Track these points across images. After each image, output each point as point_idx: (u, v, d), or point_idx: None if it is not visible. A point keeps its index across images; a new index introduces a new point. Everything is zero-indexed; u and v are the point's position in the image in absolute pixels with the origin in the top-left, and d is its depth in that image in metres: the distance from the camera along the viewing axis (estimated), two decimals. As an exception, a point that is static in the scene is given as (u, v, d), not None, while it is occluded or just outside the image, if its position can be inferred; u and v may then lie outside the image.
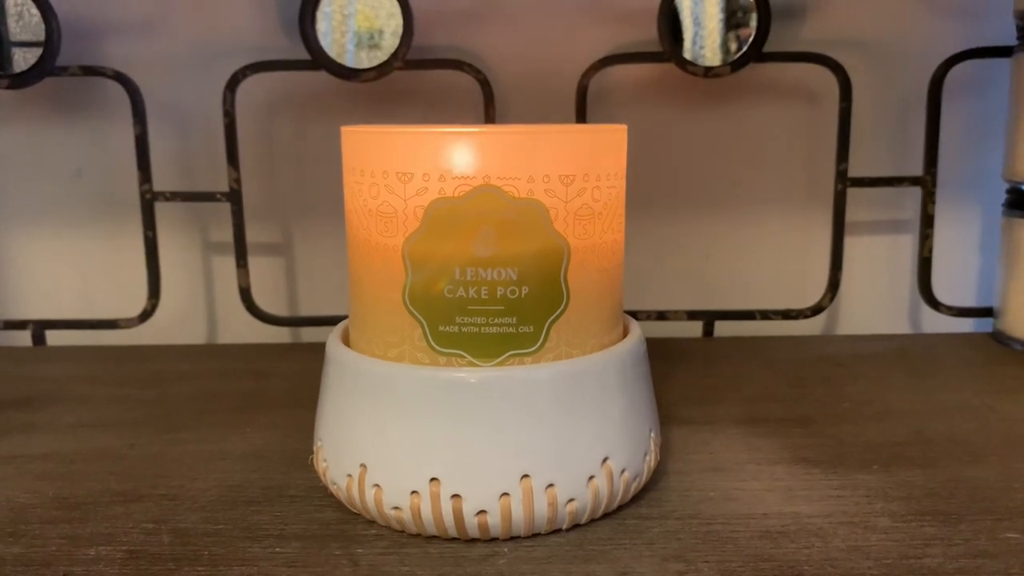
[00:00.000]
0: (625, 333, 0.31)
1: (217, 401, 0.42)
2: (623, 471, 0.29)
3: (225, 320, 0.56)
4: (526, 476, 0.27)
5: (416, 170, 0.27)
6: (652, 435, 0.30)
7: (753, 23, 0.49)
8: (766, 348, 0.50)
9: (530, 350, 0.28)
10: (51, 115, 0.54)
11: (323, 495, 0.31)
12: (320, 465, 0.30)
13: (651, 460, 0.30)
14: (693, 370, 0.46)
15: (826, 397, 0.41)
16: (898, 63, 0.53)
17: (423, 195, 0.27)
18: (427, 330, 0.27)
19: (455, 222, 0.27)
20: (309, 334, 0.56)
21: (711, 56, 0.49)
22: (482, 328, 0.27)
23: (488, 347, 0.27)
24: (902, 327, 0.57)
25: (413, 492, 0.27)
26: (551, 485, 0.27)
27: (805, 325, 0.55)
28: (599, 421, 0.28)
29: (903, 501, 0.30)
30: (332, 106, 0.53)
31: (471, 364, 0.27)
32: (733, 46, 0.49)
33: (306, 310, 0.56)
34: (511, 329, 0.27)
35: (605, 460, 0.28)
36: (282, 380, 0.45)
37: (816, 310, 0.53)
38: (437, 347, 0.27)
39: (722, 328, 0.54)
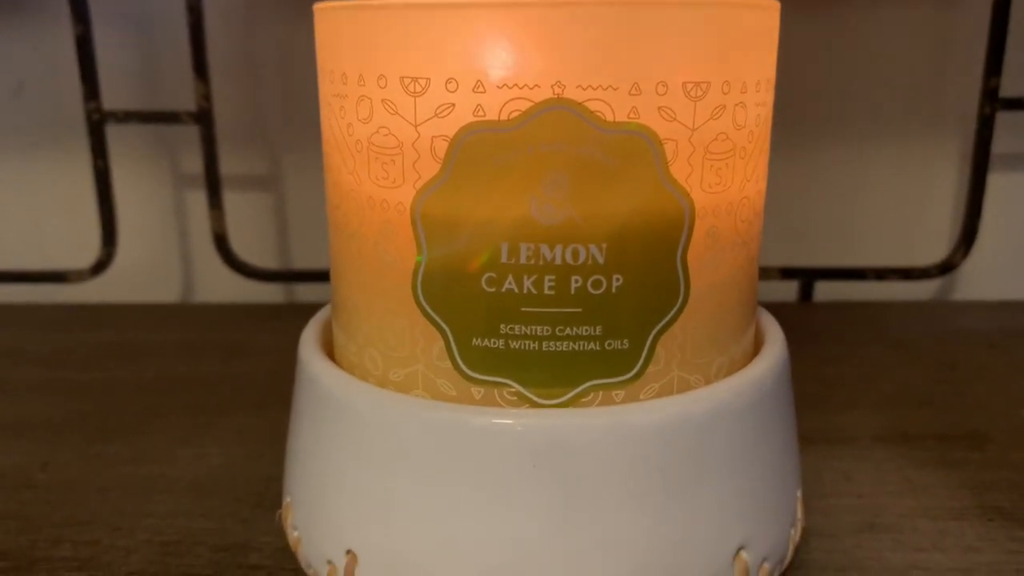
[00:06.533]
0: (757, 336, 0.20)
1: (174, 392, 0.32)
2: (763, 561, 0.18)
3: (202, 273, 0.45)
4: (615, 587, 0.16)
5: (434, 73, 0.15)
6: (799, 495, 0.20)
7: None
8: (885, 319, 0.39)
9: (624, 378, 0.17)
10: (-20, 13, 0.42)
11: (296, 568, 0.21)
12: (291, 533, 0.20)
13: (796, 533, 0.20)
14: (799, 351, 0.34)
15: (992, 399, 0.30)
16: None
17: (447, 117, 0.15)
18: (453, 343, 0.17)
19: (502, 165, 0.15)
20: (305, 292, 0.45)
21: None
22: (544, 343, 0.16)
23: (554, 374, 0.16)
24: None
25: (429, 607, 0.17)
26: (655, 600, 0.17)
27: (919, 287, 0.44)
28: (733, 492, 0.17)
29: None
30: None
31: (524, 402, 0.17)
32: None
33: (301, 261, 0.45)
34: (593, 345, 0.16)
35: (739, 551, 0.17)
36: (263, 359, 0.35)
37: (944, 267, 0.42)
38: (469, 371, 0.17)
39: (823, 290, 0.42)
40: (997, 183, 0.42)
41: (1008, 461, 0.26)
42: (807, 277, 0.42)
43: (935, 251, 0.43)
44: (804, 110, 0.42)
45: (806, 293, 0.42)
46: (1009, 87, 0.39)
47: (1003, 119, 0.40)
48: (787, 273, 0.42)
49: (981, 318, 0.39)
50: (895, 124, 0.42)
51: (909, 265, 0.42)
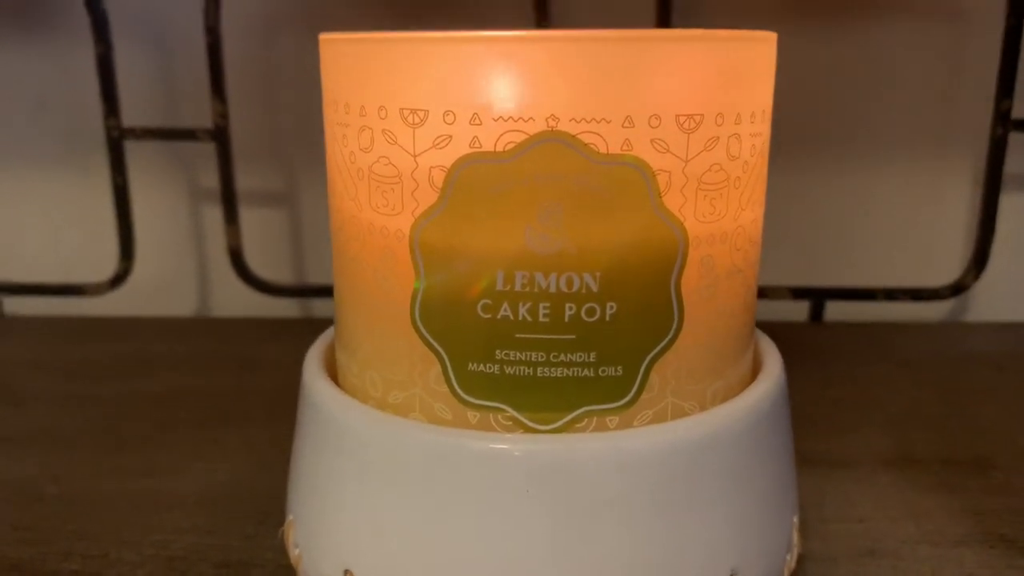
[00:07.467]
0: (756, 360, 0.20)
1: (184, 405, 0.32)
2: (756, 587, 0.18)
3: (218, 287, 0.46)
4: (607, 611, 0.17)
5: (433, 105, 0.16)
6: (795, 520, 0.20)
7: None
8: (896, 340, 0.39)
9: (618, 404, 0.17)
10: (6, 34, 0.43)
11: (299, 585, 0.21)
12: (292, 551, 0.20)
13: (792, 559, 0.20)
14: (806, 371, 0.35)
15: (999, 422, 0.30)
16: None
17: (445, 148, 0.16)
18: (449, 368, 0.17)
19: (498, 195, 0.16)
20: (320, 307, 0.46)
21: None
22: (539, 369, 0.17)
23: (548, 399, 0.17)
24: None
25: (424, 628, 0.17)
26: (646, 624, 0.17)
27: (931, 308, 0.44)
28: (726, 517, 0.17)
29: None
30: (345, 19, 0.42)
31: (519, 426, 0.17)
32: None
33: (315, 276, 0.45)
34: (587, 371, 0.17)
35: (732, 577, 0.18)
36: (274, 372, 0.35)
37: (956, 289, 0.41)
38: (465, 396, 0.17)
39: (834, 310, 0.42)
40: (1009, 204, 0.42)
41: (1012, 487, 0.26)
42: (818, 297, 0.42)
43: (947, 272, 0.43)
44: (816, 130, 0.42)
45: (816, 313, 0.42)
46: (1021, 109, 0.39)
47: (1015, 140, 0.40)
48: (798, 293, 0.42)
49: (991, 340, 0.39)
50: (907, 144, 0.42)
51: (920, 286, 0.42)
